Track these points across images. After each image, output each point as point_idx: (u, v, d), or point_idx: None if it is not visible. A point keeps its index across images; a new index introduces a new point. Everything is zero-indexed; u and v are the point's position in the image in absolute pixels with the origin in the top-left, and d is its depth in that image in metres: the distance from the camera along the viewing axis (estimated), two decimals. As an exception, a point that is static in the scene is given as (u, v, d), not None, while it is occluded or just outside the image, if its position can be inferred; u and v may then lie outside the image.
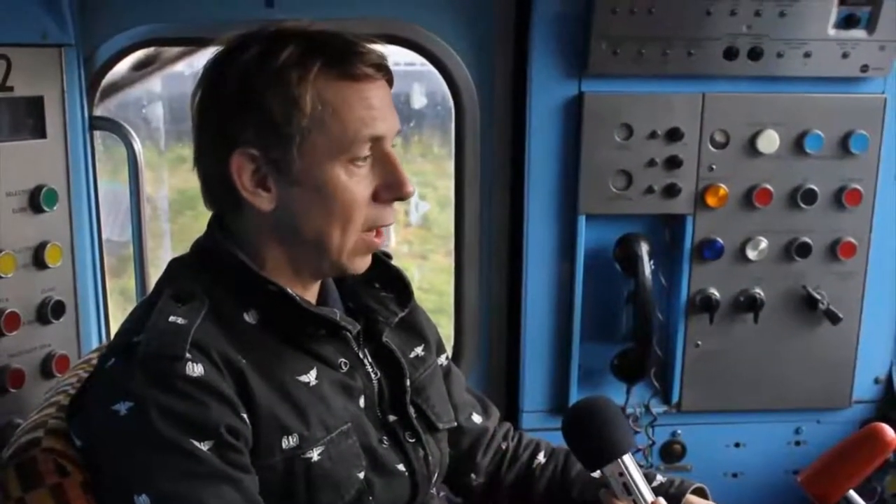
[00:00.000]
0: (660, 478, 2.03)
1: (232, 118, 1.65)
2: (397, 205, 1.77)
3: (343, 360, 1.77)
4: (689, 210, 2.82)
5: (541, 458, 2.15)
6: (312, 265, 1.75)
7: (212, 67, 1.70)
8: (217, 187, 1.71)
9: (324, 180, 1.65)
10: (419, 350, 1.97)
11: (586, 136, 2.74)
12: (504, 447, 2.16)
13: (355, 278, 1.87)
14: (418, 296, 1.99)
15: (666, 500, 1.75)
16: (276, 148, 1.64)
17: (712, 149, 2.78)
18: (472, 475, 2.12)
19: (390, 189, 1.70)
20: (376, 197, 1.70)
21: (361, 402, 1.78)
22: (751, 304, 2.87)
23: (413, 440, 1.84)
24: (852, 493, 1.97)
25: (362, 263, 1.77)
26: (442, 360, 2.08)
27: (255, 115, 1.63)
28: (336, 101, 1.64)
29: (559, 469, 2.13)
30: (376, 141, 1.68)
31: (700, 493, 2.02)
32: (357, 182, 1.67)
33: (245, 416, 1.59)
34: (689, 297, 2.89)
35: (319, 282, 1.83)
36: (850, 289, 2.90)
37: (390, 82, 1.73)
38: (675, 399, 2.96)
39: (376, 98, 1.68)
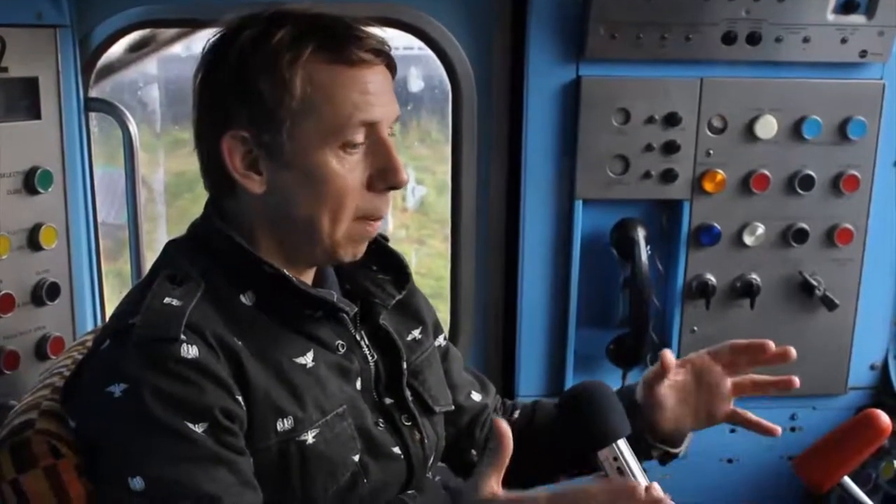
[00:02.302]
0: None
1: (225, 100, 1.64)
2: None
3: (340, 342, 1.76)
4: (687, 195, 2.81)
5: (515, 415, 2.18)
6: (304, 251, 1.73)
7: (210, 49, 1.69)
8: (212, 169, 1.71)
9: (314, 165, 1.64)
10: (416, 333, 1.96)
11: (583, 121, 2.74)
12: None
13: (352, 261, 1.87)
14: (415, 280, 1.99)
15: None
16: (266, 131, 1.63)
17: (710, 134, 2.77)
18: (472, 451, 2.12)
19: (383, 177, 1.68)
20: (370, 185, 1.68)
21: (358, 384, 1.78)
22: (747, 290, 2.87)
23: (409, 423, 1.83)
24: (847, 480, 1.98)
25: (355, 252, 1.75)
26: (440, 340, 2.07)
27: (247, 97, 1.62)
28: (328, 85, 1.62)
29: (526, 421, 2.15)
30: (371, 127, 1.65)
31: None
32: (349, 169, 1.65)
33: (240, 398, 1.59)
34: (686, 282, 2.88)
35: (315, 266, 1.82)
36: (846, 275, 2.90)
37: (391, 68, 1.71)
38: (671, 384, 2.96)
39: (372, 83, 1.65)
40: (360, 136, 1.65)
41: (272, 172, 1.65)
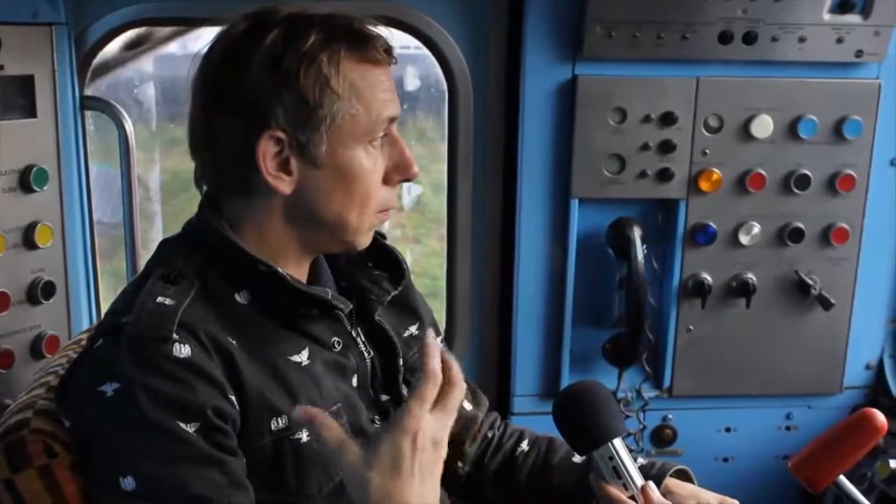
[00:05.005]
0: (640, 460, 2.02)
1: (261, 100, 1.62)
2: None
3: (336, 338, 1.76)
4: (683, 195, 2.81)
5: (524, 445, 2.15)
6: (321, 244, 1.76)
7: (229, 50, 1.66)
8: (231, 170, 1.68)
9: (348, 163, 1.66)
10: (413, 329, 1.96)
11: (580, 120, 2.74)
12: (490, 436, 2.16)
13: (348, 257, 1.87)
14: (411, 279, 1.98)
15: None
16: (304, 130, 1.63)
17: (706, 133, 2.77)
18: (459, 463, 2.11)
19: (399, 170, 1.72)
20: (385, 179, 1.72)
21: (354, 381, 1.78)
22: (743, 290, 2.87)
23: (406, 420, 1.83)
24: (842, 479, 1.97)
25: (368, 240, 1.79)
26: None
27: (287, 96, 1.62)
28: (360, 84, 1.65)
29: (541, 456, 2.12)
30: (391, 123, 1.70)
31: (683, 474, 2.01)
32: (374, 165, 1.69)
33: (233, 398, 1.58)
34: (682, 281, 2.88)
35: (311, 260, 1.82)
36: (842, 274, 2.90)
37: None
38: (666, 384, 2.97)
39: (389, 81, 1.70)
40: (382, 132, 1.69)
41: (303, 172, 1.66)
